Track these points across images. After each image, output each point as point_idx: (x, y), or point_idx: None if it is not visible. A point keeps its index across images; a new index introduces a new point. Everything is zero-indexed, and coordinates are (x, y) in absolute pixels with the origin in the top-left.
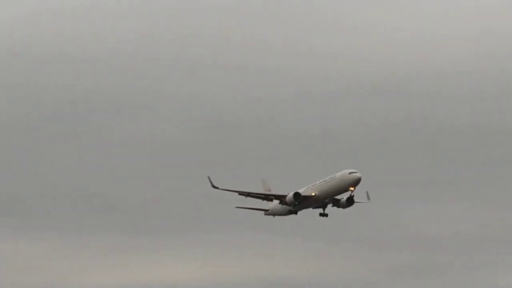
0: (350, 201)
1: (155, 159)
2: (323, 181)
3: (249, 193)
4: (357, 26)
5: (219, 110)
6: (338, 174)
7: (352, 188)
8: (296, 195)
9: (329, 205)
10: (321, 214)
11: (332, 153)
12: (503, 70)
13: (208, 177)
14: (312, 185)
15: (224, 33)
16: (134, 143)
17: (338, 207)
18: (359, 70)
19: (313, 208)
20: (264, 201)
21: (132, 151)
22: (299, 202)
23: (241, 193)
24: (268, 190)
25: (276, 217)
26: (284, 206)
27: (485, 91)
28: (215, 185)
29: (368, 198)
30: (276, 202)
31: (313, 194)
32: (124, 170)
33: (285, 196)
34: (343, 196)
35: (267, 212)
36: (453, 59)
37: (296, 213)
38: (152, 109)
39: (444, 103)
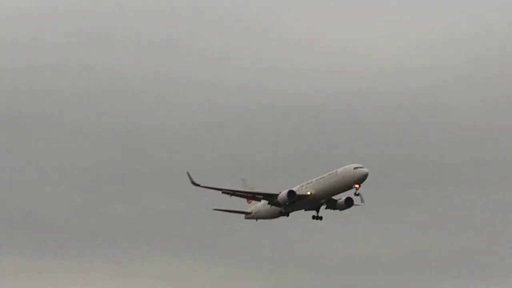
0: (349, 202)
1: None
2: (320, 178)
3: (234, 191)
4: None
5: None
6: (341, 170)
7: (357, 186)
8: (291, 193)
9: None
10: (314, 217)
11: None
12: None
13: (188, 173)
14: (307, 183)
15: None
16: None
17: (334, 208)
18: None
19: (306, 210)
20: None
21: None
22: (292, 202)
23: (225, 192)
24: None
25: (259, 221)
26: (273, 207)
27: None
28: (195, 182)
29: (362, 201)
30: (263, 202)
31: (308, 193)
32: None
33: (276, 195)
34: (341, 197)
35: (248, 215)
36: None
37: (287, 215)
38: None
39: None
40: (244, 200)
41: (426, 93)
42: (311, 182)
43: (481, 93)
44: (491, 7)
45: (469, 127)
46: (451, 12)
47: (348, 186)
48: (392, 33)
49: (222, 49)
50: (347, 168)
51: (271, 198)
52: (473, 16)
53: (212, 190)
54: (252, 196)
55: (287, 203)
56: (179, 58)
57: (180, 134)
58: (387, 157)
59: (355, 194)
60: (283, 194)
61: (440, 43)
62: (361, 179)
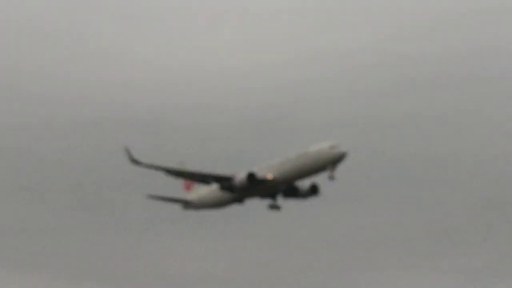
0: (314, 189)
1: None
2: (285, 159)
3: (181, 171)
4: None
5: None
6: (312, 149)
7: (331, 169)
8: (251, 176)
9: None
10: (271, 206)
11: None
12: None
13: (126, 148)
14: (268, 165)
15: None
16: None
17: (295, 196)
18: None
19: (261, 197)
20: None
21: None
22: (251, 186)
23: (169, 172)
24: None
25: (200, 211)
26: (224, 193)
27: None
28: (136, 158)
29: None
30: (209, 188)
31: (269, 176)
32: None
33: (229, 179)
34: (305, 182)
35: (188, 205)
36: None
37: (242, 202)
38: None
39: None
40: (178, 186)
41: (273, 107)
42: (272, 163)
43: (331, 108)
44: (343, 23)
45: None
46: (302, 29)
47: (320, 169)
48: (242, 50)
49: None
50: (321, 148)
51: (225, 181)
52: (322, 34)
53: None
54: (200, 179)
55: (246, 189)
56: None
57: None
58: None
59: (329, 178)
60: (241, 177)
61: (289, 59)
62: (338, 160)
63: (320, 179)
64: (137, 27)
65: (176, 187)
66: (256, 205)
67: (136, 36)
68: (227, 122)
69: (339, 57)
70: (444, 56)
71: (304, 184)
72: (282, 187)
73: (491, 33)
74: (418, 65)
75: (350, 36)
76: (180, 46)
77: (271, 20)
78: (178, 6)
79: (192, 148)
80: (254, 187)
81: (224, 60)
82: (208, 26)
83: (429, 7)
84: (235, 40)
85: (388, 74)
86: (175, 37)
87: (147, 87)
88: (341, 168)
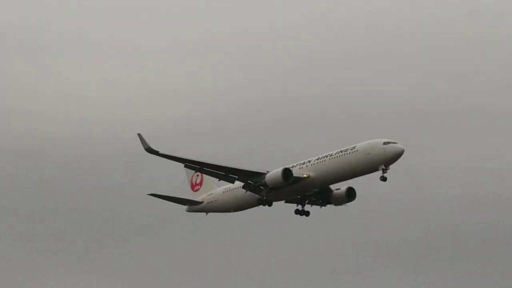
0: (351, 193)
1: None
2: (326, 156)
3: (205, 164)
4: None
5: None
6: (362, 146)
7: (384, 167)
8: (287, 172)
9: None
10: (298, 212)
11: None
12: None
13: (139, 135)
14: (303, 163)
15: None
16: None
17: (326, 202)
18: None
19: (289, 200)
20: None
21: None
22: (283, 186)
23: (189, 164)
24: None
25: (210, 214)
26: (248, 193)
27: None
28: (152, 147)
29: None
30: (227, 188)
31: (305, 175)
32: None
33: (263, 174)
34: (339, 186)
35: (195, 206)
36: None
37: (270, 205)
38: None
39: None
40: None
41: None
42: (310, 161)
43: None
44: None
45: None
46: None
47: (371, 168)
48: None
49: None
50: (372, 143)
51: (255, 178)
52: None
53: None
54: (224, 175)
55: (280, 186)
56: None
57: None
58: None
59: (381, 179)
60: (275, 173)
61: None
62: (395, 158)
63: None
64: (22, 56)
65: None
66: (280, 209)
67: (20, 64)
68: (106, 154)
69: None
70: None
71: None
72: (315, 189)
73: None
74: (288, 105)
75: (225, 75)
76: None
77: (157, 56)
78: (62, 36)
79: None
80: (287, 186)
81: (101, 92)
82: (90, 58)
83: (298, 51)
84: (116, 74)
85: (257, 114)
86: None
87: (22, 116)
88: None
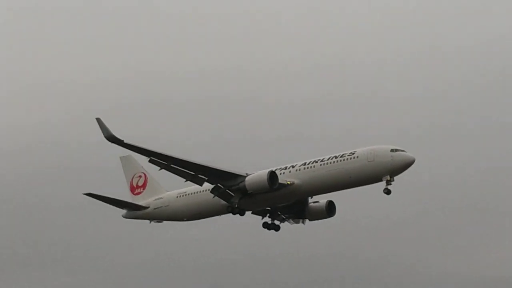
0: (331, 208)
1: None
2: (315, 161)
3: (177, 159)
4: None
5: None
6: (365, 151)
7: (389, 178)
8: (273, 176)
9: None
10: (267, 225)
11: None
12: None
13: (99, 120)
14: (285, 168)
15: None
16: None
17: (299, 216)
18: None
19: (253, 212)
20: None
21: None
22: (266, 192)
23: (155, 159)
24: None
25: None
26: (214, 199)
27: None
28: (114, 134)
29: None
30: (192, 190)
31: (288, 182)
32: None
33: (241, 177)
34: (318, 199)
35: (140, 211)
36: None
37: (243, 214)
38: None
39: None
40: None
41: None
42: (294, 166)
43: None
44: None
45: None
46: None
47: (373, 178)
48: None
49: None
50: (377, 150)
51: (231, 181)
52: None
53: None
54: (193, 175)
55: (260, 193)
56: None
57: None
58: None
59: (385, 192)
60: (259, 176)
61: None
62: (403, 168)
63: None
64: None
65: None
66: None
67: None
68: None
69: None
70: None
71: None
72: (293, 200)
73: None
74: None
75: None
76: None
77: None
78: None
79: None
80: (266, 193)
81: None
82: None
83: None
84: None
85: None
86: None
87: None
88: None
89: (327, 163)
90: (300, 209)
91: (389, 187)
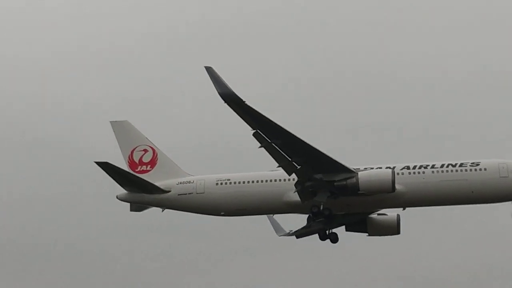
0: (399, 224)
1: None
2: (423, 167)
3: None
4: None
5: None
6: (495, 164)
7: None
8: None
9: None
10: (323, 234)
11: None
12: None
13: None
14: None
15: None
16: None
17: (354, 230)
18: None
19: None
20: None
21: None
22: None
23: (262, 132)
24: None
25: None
26: (274, 193)
27: None
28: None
29: None
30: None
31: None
32: None
33: (352, 172)
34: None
35: (157, 195)
36: None
37: (330, 216)
38: None
39: None
40: None
41: None
42: (395, 169)
43: None
44: None
45: None
46: None
47: (501, 197)
48: None
49: None
50: (510, 165)
51: (339, 175)
52: None
53: None
54: (289, 160)
55: (376, 194)
56: None
57: None
58: None
59: None
60: (381, 175)
61: None
62: None
63: None
64: None
65: None
66: None
67: None
68: None
69: None
70: None
71: None
72: (381, 209)
73: None
74: None
75: None
76: None
77: None
78: None
79: None
80: (366, 196)
81: None
82: None
83: None
84: None
85: None
86: None
87: None
88: None
89: (442, 171)
90: (361, 220)
91: None
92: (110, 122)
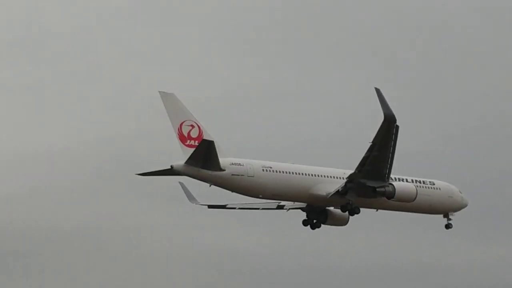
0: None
1: None
2: (410, 180)
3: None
4: None
5: None
6: (444, 185)
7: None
8: None
9: None
10: (308, 223)
11: None
12: None
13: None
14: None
15: None
16: None
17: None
18: None
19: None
20: None
21: None
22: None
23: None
24: None
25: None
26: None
27: None
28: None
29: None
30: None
31: None
32: None
33: (389, 183)
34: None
35: (214, 173)
36: None
37: (358, 212)
38: None
39: None
40: None
41: None
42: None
43: None
44: None
45: None
46: None
47: (441, 211)
48: None
49: None
50: (452, 187)
51: (382, 182)
52: None
53: None
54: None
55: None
56: None
57: None
58: None
59: (448, 227)
60: (411, 188)
61: None
62: (460, 209)
63: None
64: None
65: None
66: None
67: None
68: None
69: None
70: None
71: None
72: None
73: None
74: None
75: None
76: None
77: None
78: None
79: None
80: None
81: None
82: None
83: None
84: None
85: None
86: None
87: None
88: None
89: (419, 186)
90: (322, 211)
91: (451, 222)
92: (159, 92)
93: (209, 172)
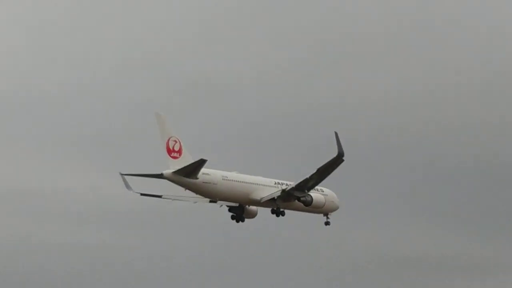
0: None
1: None
2: None
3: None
4: None
5: None
6: (330, 192)
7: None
8: None
9: None
10: (235, 218)
11: None
12: None
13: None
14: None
15: None
16: None
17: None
18: None
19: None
20: None
21: None
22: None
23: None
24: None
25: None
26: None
27: None
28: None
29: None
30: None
31: None
32: None
33: (309, 194)
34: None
35: (191, 180)
36: None
37: (284, 214)
38: None
39: None
40: None
41: None
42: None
43: None
44: None
45: None
46: None
47: (324, 212)
48: None
49: None
50: (333, 194)
51: (304, 193)
52: None
53: None
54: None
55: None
56: None
57: None
58: None
59: (327, 224)
60: (321, 199)
61: None
62: (336, 210)
63: None
64: None
65: None
66: None
67: None
68: None
69: None
70: None
71: None
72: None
73: None
74: None
75: None
76: None
77: None
78: None
79: None
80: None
81: None
82: None
83: None
84: None
85: None
86: None
87: None
88: None
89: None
90: (240, 207)
91: (329, 220)
92: (155, 113)
93: (188, 179)
